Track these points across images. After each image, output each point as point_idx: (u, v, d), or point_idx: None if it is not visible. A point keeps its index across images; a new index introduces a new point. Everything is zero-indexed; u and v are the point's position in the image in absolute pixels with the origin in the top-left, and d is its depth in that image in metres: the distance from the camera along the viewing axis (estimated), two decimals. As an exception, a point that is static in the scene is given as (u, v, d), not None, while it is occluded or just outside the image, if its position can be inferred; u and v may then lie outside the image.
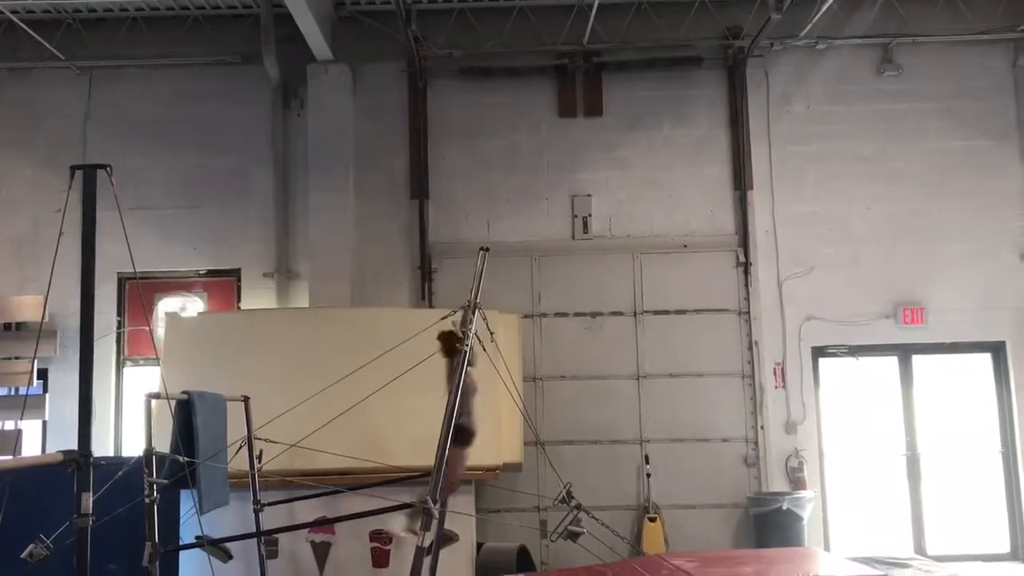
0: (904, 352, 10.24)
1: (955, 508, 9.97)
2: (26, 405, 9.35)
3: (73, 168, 5.05)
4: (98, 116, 10.43)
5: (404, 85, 10.49)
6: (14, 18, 9.90)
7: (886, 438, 10.14)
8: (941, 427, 10.12)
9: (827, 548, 9.52)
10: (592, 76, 10.48)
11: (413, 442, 7.73)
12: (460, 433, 5.89)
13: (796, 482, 9.76)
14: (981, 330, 10.11)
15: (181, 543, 6.74)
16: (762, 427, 9.93)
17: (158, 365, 8.29)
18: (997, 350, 10.18)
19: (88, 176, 5.02)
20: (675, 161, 10.40)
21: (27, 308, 9.75)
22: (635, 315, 10.16)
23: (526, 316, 9.97)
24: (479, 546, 8.43)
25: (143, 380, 9.84)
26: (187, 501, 6.50)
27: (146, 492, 5.45)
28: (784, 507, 9.20)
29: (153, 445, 5.60)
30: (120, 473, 5.44)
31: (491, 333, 6.09)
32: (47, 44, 10.06)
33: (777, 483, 9.81)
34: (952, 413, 10.16)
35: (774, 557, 6.87)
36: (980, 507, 10.01)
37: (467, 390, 5.92)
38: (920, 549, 9.71)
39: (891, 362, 10.27)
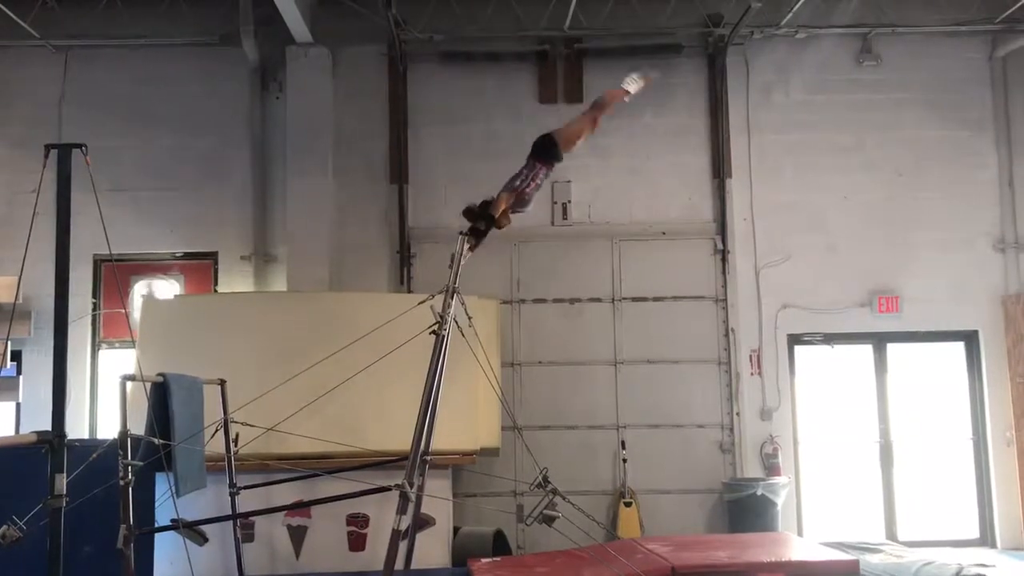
0: (879, 340, 10.34)
1: (926, 495, 10.10)
2: (-1, 387, 9.27)
3: (48, 147, 5.01)
4: (74, 96, 10.30)
5: (384, 69, 10.43)
6: (-12, -5, 9.75)
7: (860, 425, 10.25)
8: (914, 415, 10.24)
9: (800, 534, 9.61)
10: (573, 62, 10.46)
11: (390, 427, 7.75)
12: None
13: (770, 468, 9.85)
14: (955, 319, 10.22)
15: (156, 525, 6.73)
16: (738, 414, 10.00)
17: (134, 348, 8.24)
18: (970, 339, 10.30)
19: (63, 155, 4.98)
20: (655, 149, 10.42)
21: (0, 289, 9.62)
22: (613, 301, 10.19)
23: (505, 302, 9.98)
24: (455, 530, 8.46)
25: (119, 363, 9.76)
26: (162, 484, 6.49)
27: (121, 474, 5.45)
28: (758, 493, 9.29)
29: (128, 428, 5.60)
30: (95, 455, 5.43)
31: (469, 318, 6.12)
32: (22, 22, 9.89)
33: (752, 469, 9.89)
34: (925, 401, 10.28)
35: (748, 542, 6.95)
36: (951, 494, 10.15)
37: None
38: (891, 535, 9.84)
39: (866, 350, 10.37)
